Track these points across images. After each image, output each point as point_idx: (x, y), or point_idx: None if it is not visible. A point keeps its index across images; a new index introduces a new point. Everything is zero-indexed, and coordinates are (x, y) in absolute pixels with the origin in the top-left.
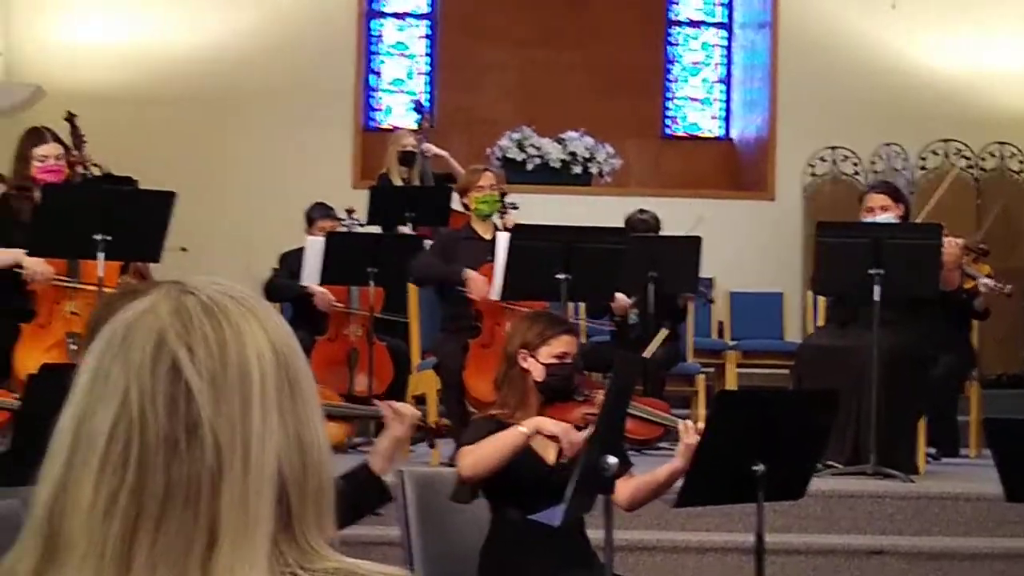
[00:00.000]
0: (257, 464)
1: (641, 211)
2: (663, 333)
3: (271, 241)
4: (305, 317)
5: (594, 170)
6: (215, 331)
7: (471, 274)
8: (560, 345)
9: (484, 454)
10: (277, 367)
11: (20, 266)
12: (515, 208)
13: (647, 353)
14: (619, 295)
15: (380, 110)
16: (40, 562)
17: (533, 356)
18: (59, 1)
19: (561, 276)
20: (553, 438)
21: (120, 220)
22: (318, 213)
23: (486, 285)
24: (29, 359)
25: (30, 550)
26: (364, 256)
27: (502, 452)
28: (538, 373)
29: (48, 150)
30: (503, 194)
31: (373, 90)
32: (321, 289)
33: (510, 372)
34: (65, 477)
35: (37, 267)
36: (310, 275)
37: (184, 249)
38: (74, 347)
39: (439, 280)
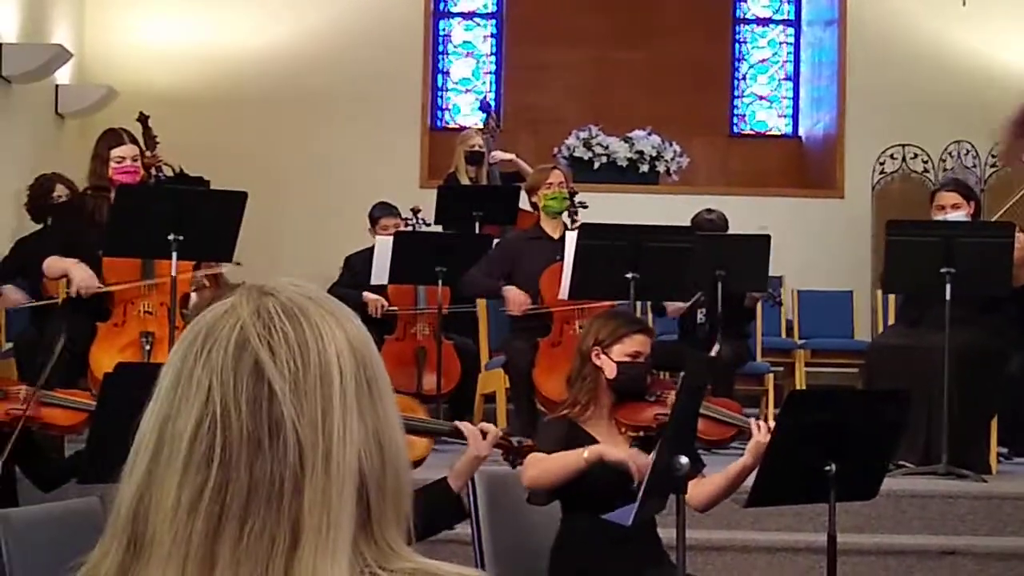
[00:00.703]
0: (338, 463)
1: (708, 211)
2: (697, 298)
3: (338, 242)
4: (374, 318)
5: (661, 169)
6: (296, 332)
7: (509, 291)
8: (634, 344)
9: (546, 470)
10: (356, 367)
11: (69, 276)
12: (584, 207)
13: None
14: (670, 304)
15: (447, 110)
16: (124, 560)
17: (606, 353)
18: (130, 2)
19: (629, 275)
20: (619, 464)
21: (193, 220)
22: (380, 212)
23: (526, 300)
24: (105, 358)
25: (114, 549)
26: (432, 255)
27: (562, 474)
28: (610, 371)
29: (125, 151)
30: (572, 193)
31: (440, 90)
32: (374, 296)
33: (583, 369)
34: (149, 477)
35: (83, 280)
36: (379, 274)
37: (238, 263)
38: (148, 347)
39: (482, 295)
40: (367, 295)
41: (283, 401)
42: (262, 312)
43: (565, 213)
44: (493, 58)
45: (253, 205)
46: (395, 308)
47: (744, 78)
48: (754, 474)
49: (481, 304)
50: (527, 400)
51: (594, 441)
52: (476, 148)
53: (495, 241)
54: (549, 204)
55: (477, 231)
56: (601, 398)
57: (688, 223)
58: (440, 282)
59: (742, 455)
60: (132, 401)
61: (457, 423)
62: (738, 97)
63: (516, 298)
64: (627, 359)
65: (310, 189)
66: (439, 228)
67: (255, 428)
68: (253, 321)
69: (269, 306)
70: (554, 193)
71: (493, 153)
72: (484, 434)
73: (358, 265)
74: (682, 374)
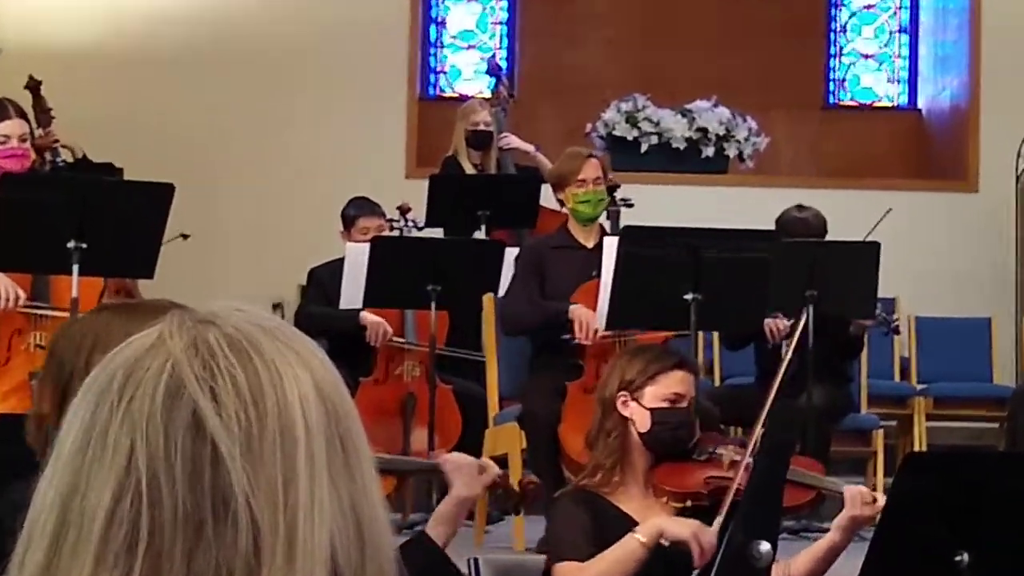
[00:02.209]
0: (305, 548)
1: (799, 208)
2: (802, 324)
3: (298, 252)
4: (344, 352)
5: (731, 152)
6: (247, 374)
7: (580, 313)
8: (671, 383)
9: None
10: (326, 420)
11: None
12: (629, 206)
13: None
14: (777, 321)
15: (443, 72)
16: None
17: (636, 399)
18: None
19: (689, 296)
20: (680, 543)
21: (101, 222)
22: (357, 210)
23: (595, 321)
24: None
25: None
26: (423, 269)
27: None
28: (642, 421)
29: (10, 128)
30: (612, 187)
31: (434, 46)
32: (376, 318)
33: (606, 422)
34: (48, 571)
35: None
36: (350, 295)
37: (186, 236)
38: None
39: (541, 327)
40: (368, 317)
41: (232, 467)
42: (201, 347)
43: (603, 215)
44: (505, 3)
45: (182, 201)
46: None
47: (844, 30)
48: (843, 557)
49: (489, 339)
50: (551, 464)
51: (626, 519)
52: (481, 126)
53: (511, 251)
54: (580, 209)
55: (483, 236)
56: (632, 459)
57: (770, 226)
58: (434, 305)
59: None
60: (19, 466)
61: (439, 455)
62: (835, 56)
63: (588, 319)
64: (664, 404)
65: (259, 181)
66: (432, 232)
67: (194, 504)
68: (189, 359)
69: (210, 339)
70: (588, 194)
71: (505, 137)
72: (481, 469)
73: (326, 279)
74: (761, 429)
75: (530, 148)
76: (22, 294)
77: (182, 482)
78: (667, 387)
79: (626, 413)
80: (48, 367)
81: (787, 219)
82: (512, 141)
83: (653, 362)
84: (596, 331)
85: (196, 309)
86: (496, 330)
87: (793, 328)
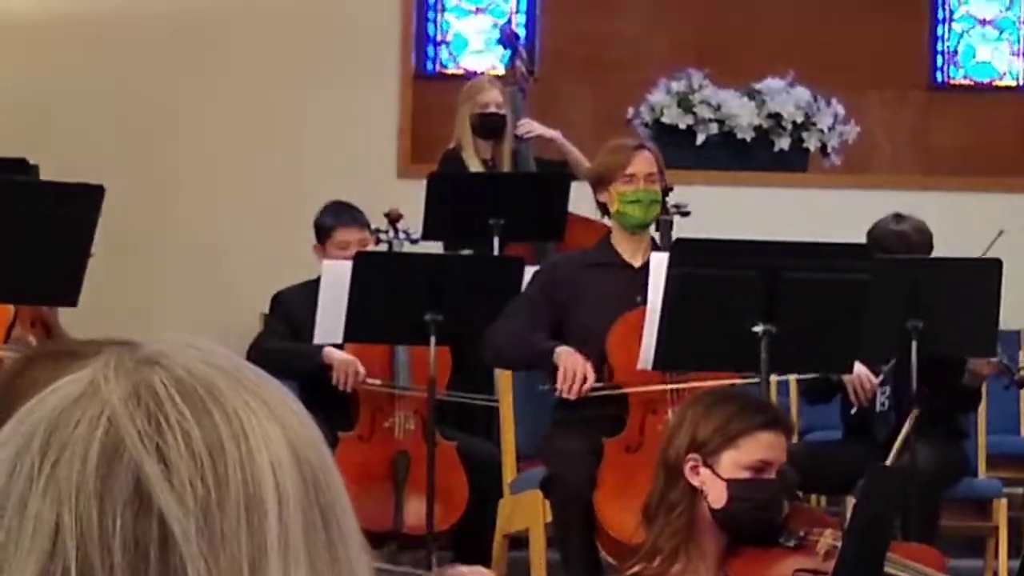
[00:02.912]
0: None
1: (896, 218)
2: (913, 418)
3: (259, 270)
4: (321, 400)
5: (812, 144)
6: (203, 428)
7: (563, 355)
8: (757, 448)
9: None
10: (304, 487)
11: None
12: (684, 214)
13: (892, 456)
14: (859, 366)
15: (444, 43)
16: None
17: (710, 466)
18: None
19: (759, 328)
20: None
21: (12, 234)
22: (334, 220)
23: (588, 372)
24: None
25: None
26: (418, 293)
27: None
28: (717, 495)
29: None
30: (665, 189)
31: (433, 9)
32: (344, 356)
33: (669, 492)
34: None
35: None
36: (326, 326)
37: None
38: None
39: (518, 363)
40: (332, 353)
41: (185, 549)
42: (144, 395)
43: (653, 224)
44: None
45: (114, 207)
46: (372, 380)
47: None
48: None
49: (504, 383)
50: (584, 543)
51: None
52: (492, 108)
53: (532, 271)
54: (628, 212)
55: (496, 251)
56: (701, 541)
57: (861, 237)
58: (433, 340)
59: None
60: None
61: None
62: (944, 22)
63: (574, 367)
64: (746, 474)
65: (211, 180)
66: (430, 246)
67: None
68: (130, 410)
69: (156, 384)
70: (638, 192)
71: (523, 123)
72: None
73: (295, 306)
74: (853, 500)
75: (555, 135)
76: None
77: (122, 569)
78: (751, 453)
79: (696, 482)
80: None
81: (881, 233)
82: (532, 127)
83: (734, 419)
84: (585, 382)
85: (138, 345)
86: (514, 373)
87: (889, 375)
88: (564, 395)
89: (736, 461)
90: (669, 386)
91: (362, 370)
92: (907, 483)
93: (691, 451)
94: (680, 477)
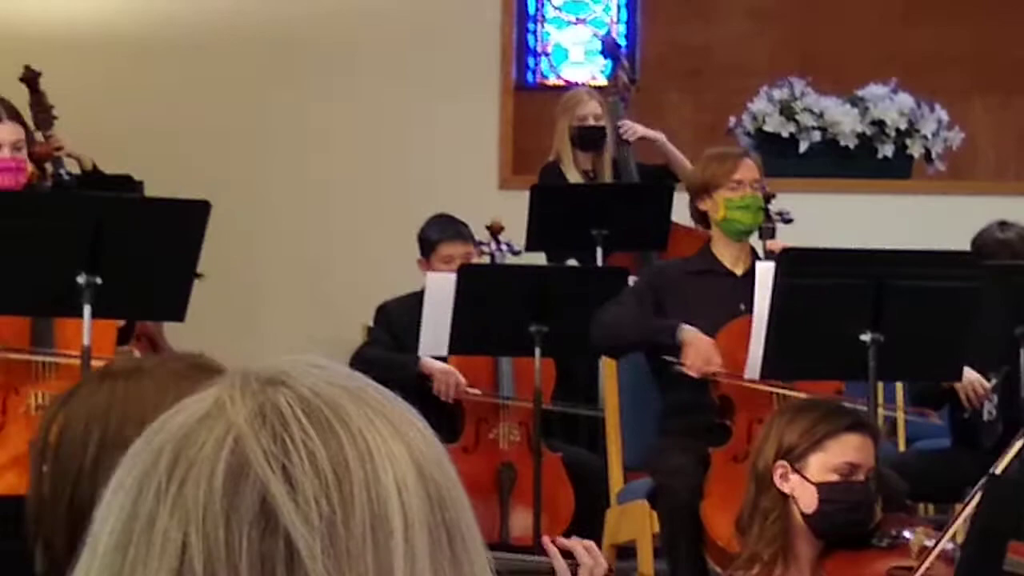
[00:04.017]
0: None
1: (1001, 226)
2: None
3: (359, 284)
4: (423, 411)
5: (916, 150)
6: (329, 449)
7: (689, 335)
8: (843, 451)
9: None
10: (429, 506)
11: None
12: (788, 222)
13: (999, 467)
14: (970, 372)
15: (545, 55)
16: None
17: (798, 471)
18: None
19: (867, 336)
20: None
21: (119, 251)
22: (440, 232)
23: (714, 352)
24: None
25: None
26: (523, 305)
27: None
28: (807, 500)
29: (1, 134)
30: (768, 196)
31: (533, 20)
32: (443, 366)
33: (762, 501)
34: None
35: None
36: (431, 338)
37: (199, 275)
38: (46, 467)
39: (638, 341)
40: (429, 363)
41: (311, 568)
42: (270, 415)
43: (757, 232)
44: None
45: (217, 222)
46: (474, 390)
47: None
48: None
49: (610, 394)
50: (692, 553)
51: None
52: (591, 120)
53: (633, 279)
54: (736, 218)
55: (599, 262)
56: (796, 546)
57: (966, 245)
58: (538, 351)
59: None
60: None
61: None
62: None
63: (702, 348)
64: (834, 477)
65: (312, 195)
66: (534, 257)
67: None
68: (255, 430)
69: (281, 405)
70: (744, 198)
71: (625, 125)
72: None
73: (399, 317)
74: (969, 509)
75: (658, 136)
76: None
77: None
78: (838, 455)
79: (786, 489)
80: (43, 468)
81: (986, 241)
82: (635, 129)
83: (819, 423)
84: (710, 365)
85: (265, 367)
86: (619, 383)
87: (998, 384)
88: (689, 372)
89: (824, 464)
90: (776, 390)
91: (462, 380)
92: (1019, 492)
93: (779, 458)
94: (771, 485)
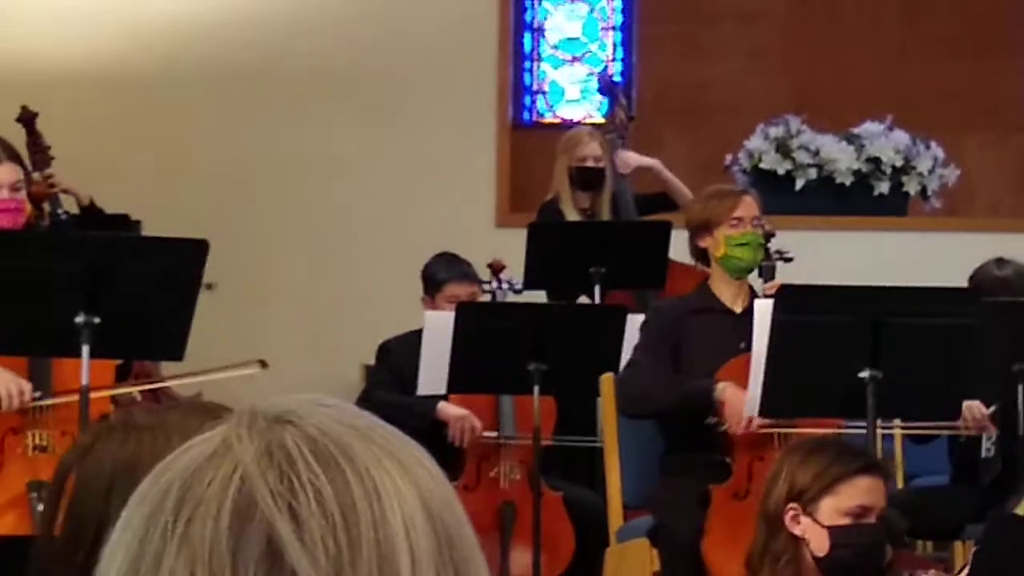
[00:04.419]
0: None
1: (998, 263)
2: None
3: (359, 321)
4: (424, 448)
5: (912, 187)
6: (335, 488)
7: (726, 392)
8: (856, 494)
9: None
10: (437, 546)
11: None
12: (787, 260)
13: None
14: (970, 403)
15: (542, 93)
16: None
17: (810, 514)
18: None
19: (865, 374)
20: None
21: (117, 289)
22: (445, 272)
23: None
24: None
25: None
26: (522, 342)
27: None
28: (819, 543)
29: (1, 175)
30: (768, 236)
31: (530, 59)
32: (460, 411)
33: (772, 544)
34: None
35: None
36: (429, 376)
37: (264, 364)
38: (41, 507)
39: (674, 409)
40: (447, 408)
41: None
42: (276, 454)
43: (758, 270)
44: (619, 2)
45: (214, 261)
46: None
47: None
48: None
49: (610, 432)
50: None
51: None
52: (590, 161)
53: (635, 319)
54: (737, 255)
55: (597, 299)
56: None
57: (963, 281)
58: (537, 389)
59: None
60: None
61: None
62: None
63: (738, 404)
64: (846, 520)
65: (311, 234)
66: (533, 295)
67: None
68: (262, 469)
69: (288, 443)
70: (745, 235)
71: (622, 154)
72: None
73: (401, 356)
74: (959, 545)
75: (653, 163)
76: (27, 388)
77: None
78: (850, 498)
79: (797, 531)
80: (55, 493)
81: (983, 278)
82: (629, 160)
83: (832, 465)
84: (752, 419)
85: (271, 405)
86: (617, 420)
87: (997, 417)
88: (733, 431)
89: (836, 507)
90: (777, 430)
91: (478, 425)
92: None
93: (790, 500)
94: (781, 527)
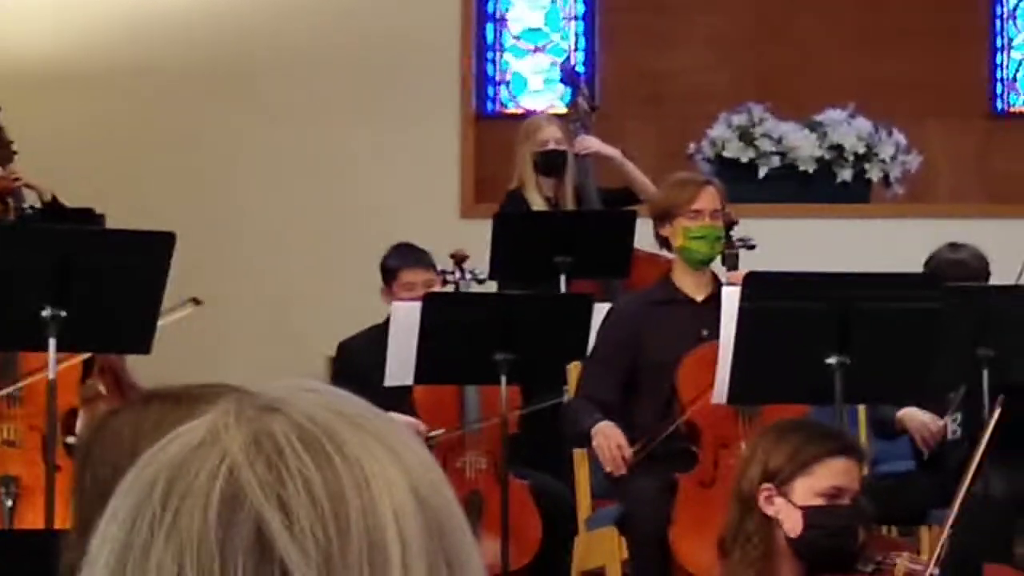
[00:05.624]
0: None
1: (951, 247)
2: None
3: (323, 314)
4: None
5: (874, 174)
6: (324, 476)
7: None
8: (830, 475)
9: None
10: (427, 533)
11: None
12: (750, 247)
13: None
14: (922, 414)
15: (504, 83)
16: None
17: (784, 494)
18: None
19: (833, 360)
20: None
21: (84, 283)
22: (399, 261)
23: (623, 446)
24: None
25: None
26: (488, 333)
27: None
28: (793, 523)
29: None
30: (730, 223)
31: (492, 49)
32: (404, 419)
33: (745, 524)
34: None
35: None
36: (396, 367)
37: (197, 301)
38: (9, 502)
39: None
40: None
41: None
42: (264, 442)
43: (721, 259)
44: None
45: (177, 254)
46: (434, 431)
47: (1012, 16)
48: None
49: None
50: None
51: None
52: (551, 144)
53: (601, 308)
54: (693, 247)
55: (563, 289)
56: (778, 569)
57: (921, 267)
58: (504, 379)
59: None
60: None
61: None
62: (1003, 50)
63: (607, 445)
64: (820, 501)
65: (274, 225)
66: (497, 285)
67: None
68: (250, 459)
69: (276, 432)
70: (703, 228)
71: (581, 140)
72: None
73: (361, 354)
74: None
75: (614, 153)
76: None
77: None
78: (824, 479)
79: (771, 512)
80: (78, 489)
81: (939, 263)
82: (590, 144)
83: (806, 446)
84: (625, 458)
85: (259, 392)
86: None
87: (962, 399)
88: (611, 472)
89: (810, 488)
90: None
91: (423, 428)
92: (983, 512)
93: (764, 481)
94: (755, 508)
